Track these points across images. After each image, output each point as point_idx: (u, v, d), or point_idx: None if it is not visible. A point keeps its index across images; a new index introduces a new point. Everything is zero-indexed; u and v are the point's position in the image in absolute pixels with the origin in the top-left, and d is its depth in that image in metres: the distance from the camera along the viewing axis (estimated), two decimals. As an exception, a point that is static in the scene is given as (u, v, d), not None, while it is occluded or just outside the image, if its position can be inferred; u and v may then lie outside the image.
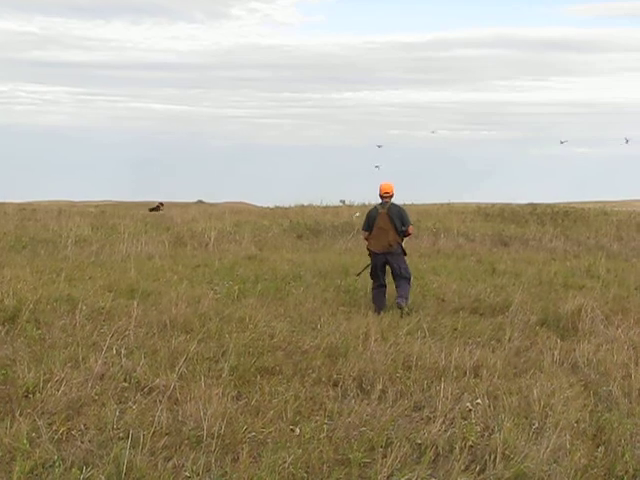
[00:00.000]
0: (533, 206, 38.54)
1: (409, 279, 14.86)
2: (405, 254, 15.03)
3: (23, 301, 12.77)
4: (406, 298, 14.48)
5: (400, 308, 14.10)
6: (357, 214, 32.38)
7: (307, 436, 7.79)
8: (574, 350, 11.29)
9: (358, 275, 16.18)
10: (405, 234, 14.94)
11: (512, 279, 17.82)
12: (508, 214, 35.97)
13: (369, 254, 15.23)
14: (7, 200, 47.04)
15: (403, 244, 15.01)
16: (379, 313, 13.96)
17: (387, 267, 15.03)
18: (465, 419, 8.31)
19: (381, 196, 15.04)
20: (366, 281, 15.78)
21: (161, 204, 44.89)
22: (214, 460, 7.20)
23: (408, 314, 13.72)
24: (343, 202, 40.56)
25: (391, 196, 15.04)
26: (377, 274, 14.93)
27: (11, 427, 7.63)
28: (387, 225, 14.81)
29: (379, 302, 14.65)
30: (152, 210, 41.45)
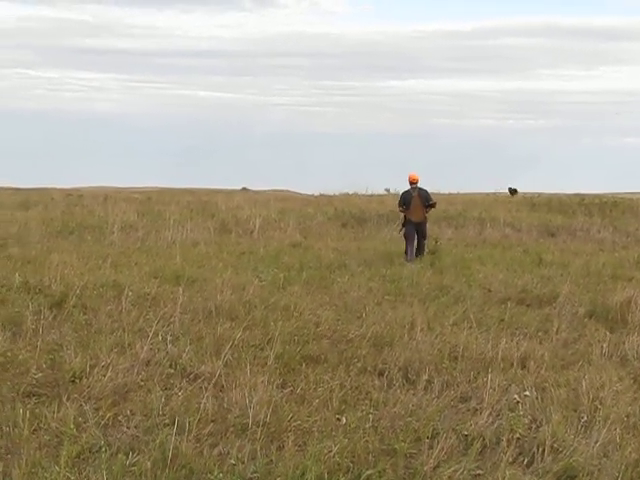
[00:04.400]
0: (581, 196, 38.20)
1: (426, 239, 20.90)
2: (426, 219, 20.95)
3: (70, 286, 12.86)
4: (423, 251, 20.49)
5: (418, 256, 19.93)
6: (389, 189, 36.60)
7: (352, 425, 7.74)
8: (623, 343, 11.12)
9: (400, 231, 21.55)
10: (430, 206, 20.86)
11: (559, 270, 17.64)
12: (555, 204, 35.66)
13: (403, 223, 20.87)
14: (54, 186, 47.48)
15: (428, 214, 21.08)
16: (410, 260, 19.57)
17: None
18: (512, 411, 8.21)
19: (410, 183, 20.87)
20: (411, 272, 15.78)
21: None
22: (259, 448, 7.17)
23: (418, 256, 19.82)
24: (388, 190, 40.32)
25: (417, 182, 20.84)
26: (412, 236, 20.53)
27: (58, 411, 7.67)
28: (419, 203, 20.66)
29: (410, 254, 20.11)
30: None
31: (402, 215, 21.08)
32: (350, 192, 42.03)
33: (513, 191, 44.29)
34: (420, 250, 20.43)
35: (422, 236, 20.68)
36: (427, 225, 21.14)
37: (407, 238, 20.51)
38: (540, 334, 11.70)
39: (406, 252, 20.18)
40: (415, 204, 20.66)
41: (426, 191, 20.94)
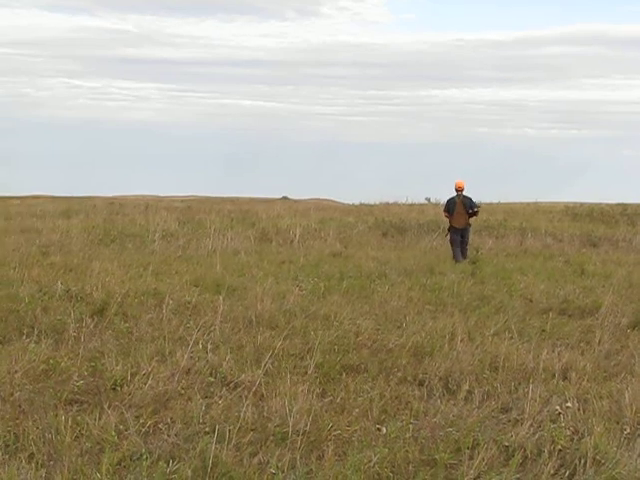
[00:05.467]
0: (623, 206, 37.81)
1: (467, 244, 22.21)
2: (470, 225, 22.36)
3: (111, 294, 12.97)
4: (466, 256, 21.47)
5: (461, 261, 20.84)
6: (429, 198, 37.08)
7: (392, 435, 7.72)
8: (666, 354, 10.99)
9: (446, 235, 23.01)
10: (473, 214, 22.03)
11: (601, 281, 17.47)
12: (597, 214, 35.35)
13: (448, 228, 22.36)
14: (96, 194, 47.90)
15: (471, 221, 22.35)
16: (458, 261, 20.98)
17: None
18: (554, 422, 8.14)
19: (456, 190, 22.07)
20: (452, 282, 15.80)
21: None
22: (299, 457, 7.17)
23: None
24: (428, 200, 40.21)
25: (463, 190, 22.04)
26: (457, 241, 21.98)
27: (100, 419, 7.72)
28: (462, 210, 21.93)
29: (457, 256, 21.49)
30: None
31: (448, 221, 22.53)
32: (390, 201, 41.99)
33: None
34: (463, 254, 21.68)
35: (465, 242, 22.16)
36: (470, 231, 22.58)
37: (452, 243, 22.10)
38: (582, 345, 11.59)
39: (454, 256, 21.68)
40: (458, 211, 21.90)
41: (470, 199, 22.09)
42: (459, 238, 22.05)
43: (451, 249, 22.13)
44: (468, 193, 22.19)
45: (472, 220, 22.55)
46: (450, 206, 22.20)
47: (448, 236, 22.49)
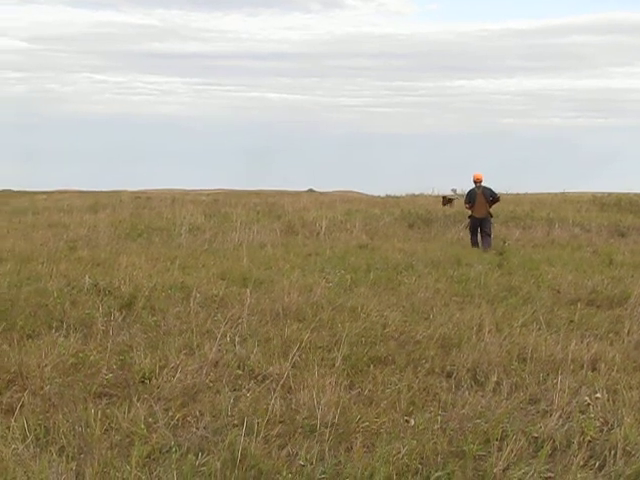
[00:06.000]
0: (651, 195, 37.56)
1: (491, 235, 23.14)
2: (492, 216, 23.48)
3: (139, 288, 13.04)
4: (489, 245, 22.43)
5: (485, 251, 21.71)
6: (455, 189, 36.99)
7: (421, 427, 7.70)
8: (696, 344, 10.91)
9: (465, 227, 24.57)
10: (495, 201, 23.22)
11: (630, 271, 17.36)
12: (625, 204, 35.14)
13: (469, 217, 23.56)
14: (123, 188, 48.12)
15: (492, 211, 23.44)
16: (476, 246, 22.72)
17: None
18: (583, 413, 8.10)
19: (474, 182, 23.27)
20: (479, 273, 15.82)
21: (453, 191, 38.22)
22: (328, 449, 7.17)
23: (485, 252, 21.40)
24: (454, 191, 40.03)
25: (481, 181, 23.18)
26: (476, 230, 23.21)
27: (129, 412, 7.75)
28: (482, 200, 22.99)
29: (475, 243, 23.00)
30: (446, 204, 35.67)
31: (469, 211, 23.73)
32: (416, 193, 41.91)
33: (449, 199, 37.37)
34: (486, 244, 22.67)
35: (485, 231, 23.01)
36: (491, 221, 23.59)
37: (471, 232, 23.51)
38: (611, 335, 11.52)
39: (472, 243, 23.23)
40: (479, 201, 23.05)
41: (490, 189, 23.28)
42: (477, 227, 23.22)
43: (470, 238, 23.49)
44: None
45: (494, 208, 23.75)
46: (471, 197, 23.29)
47: (468, 225, 23.87)
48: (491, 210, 23.36)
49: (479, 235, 23.18)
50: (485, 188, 23.18)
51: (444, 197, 37.09)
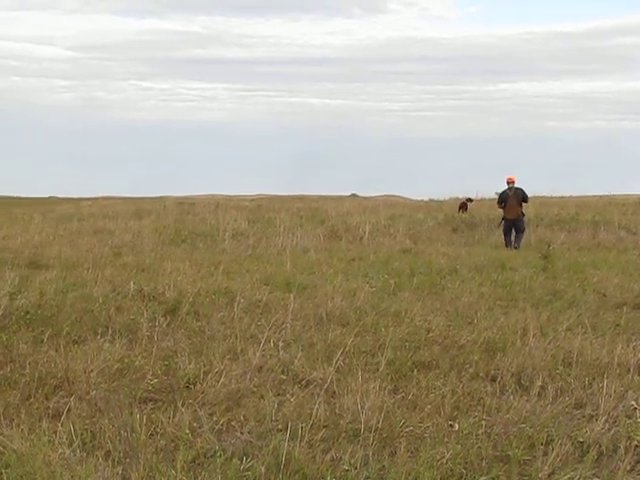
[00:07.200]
0: (698, 197, 37.11)
1: (524, 233, 24.32)
2: (524, 215, 24.52)
3: (183, 294, 13.11)
4: (519, 243, 23.74)
5: (516, 248, 23.16)
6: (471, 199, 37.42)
7: (465, 432, 7.66)
8: None
9: (499, 226, 25.16)
10: (524, 201, 24.18)
11: (678, 274, 17.16)
12: (672, 206, 34.75)
13: (502, 218, 24.47)
14: (167, 194, 48.44)
15: (523, 210, 24.46)
16: (509, 246, 23.77)
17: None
18: (630, 418, 8.01)
19: (507, 183, 24.31)
20: (523, 277, 15.72)
21: (469, 200, 37.26)
22: (372, 454, 7.15)
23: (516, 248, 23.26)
24: (470, 201, 39.78)
25: (514, 183, 24.19)
26: (509, 231, 24.16)
27: (174, 417, 7.79)
28: (515, 202, 24.00)
29: (509, 243, 23.89)
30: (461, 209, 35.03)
31: (501, 212, 24.77)
32: (460, 197, 41.73)
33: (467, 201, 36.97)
34: (517, 242, 23.83)
35: (518, 230, 24.20)
36: (524, 220, 24.63)
37: (504, 232, 24.43)
38: (658, 339, 11.40)
39: (505, 244, 24.09)
40: (511, 203, 24.05)
41: (522, 190, 24.35)
42: (511, 228, 24.22)
43: (503, 238, 24.49)
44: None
45: (524, 209, 24.69)
46: (504, 198, 24.32)
47: (501, 225, 24.74)
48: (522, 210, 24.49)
49: (513, 237, 24.20)
50: (517, 189, 24.20)
51: (460, 204, 36.47)
